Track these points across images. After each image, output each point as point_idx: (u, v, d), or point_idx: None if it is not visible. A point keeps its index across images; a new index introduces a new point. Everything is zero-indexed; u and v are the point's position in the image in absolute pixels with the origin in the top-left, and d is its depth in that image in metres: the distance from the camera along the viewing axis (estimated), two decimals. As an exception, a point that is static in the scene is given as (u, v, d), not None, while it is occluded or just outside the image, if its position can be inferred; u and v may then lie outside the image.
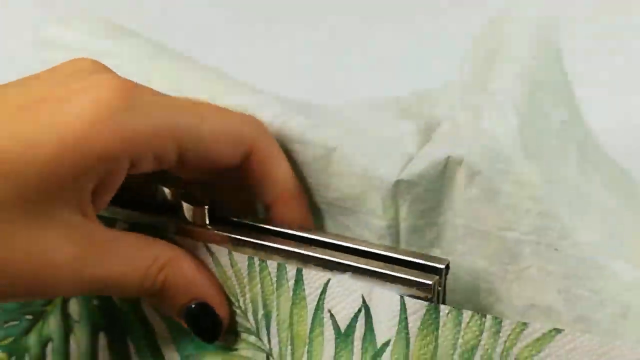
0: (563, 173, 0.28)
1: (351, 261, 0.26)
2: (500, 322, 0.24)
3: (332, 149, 0.29)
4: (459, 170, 0.27)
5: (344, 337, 0.26)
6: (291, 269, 0.27)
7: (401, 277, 0.25)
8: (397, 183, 0.28)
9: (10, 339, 0.33)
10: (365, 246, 0.27)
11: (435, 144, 0.29)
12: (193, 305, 0.28)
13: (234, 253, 0.28)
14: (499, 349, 0.24)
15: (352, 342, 0.26)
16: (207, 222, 0.28)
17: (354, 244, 0.27)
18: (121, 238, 0.27)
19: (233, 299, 0.28)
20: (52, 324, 0.32)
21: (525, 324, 0.24)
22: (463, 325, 0.24)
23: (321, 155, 0.29)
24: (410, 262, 0.26)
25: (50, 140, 0.23)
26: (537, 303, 0.27)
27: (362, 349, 0.26)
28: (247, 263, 0.28)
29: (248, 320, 0.28)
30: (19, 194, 0.23)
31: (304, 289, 0.27)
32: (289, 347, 0.27)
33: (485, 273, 0.28)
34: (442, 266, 0.25)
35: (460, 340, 0.24)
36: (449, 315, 0.24)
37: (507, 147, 0.27)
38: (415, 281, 0.25)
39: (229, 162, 0.28)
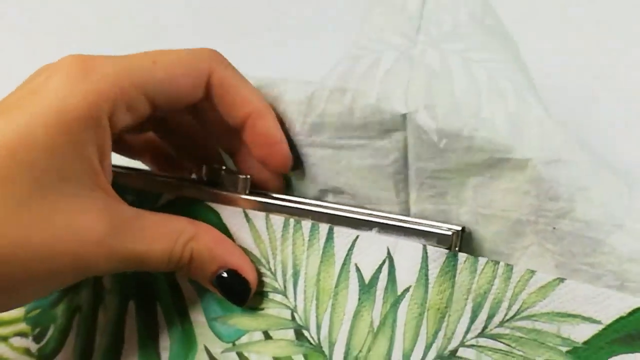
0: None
1: (377, 219, 0.29)
2: (512, 268, 0.27)
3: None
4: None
5: (367, 288, 0.29)
6: (323, 228, 0.30)
7: (423, 230, 0.28)
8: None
9: (38, 311, 0.35)
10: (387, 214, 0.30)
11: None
12: (222, 273, 0.30)
13: (271, 216, 0.31)
14: (509, 294, 0.27)
15: (375, 293, 0.28)
16: (248, 191, 0.32)
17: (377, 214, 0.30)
18: (146, 216, 0.30)
19: (264, 261, 0.31)
20: (83, 295, 0.34)
21: (533, 271, 0.27)
22: (478, 271, 0.27)
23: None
24: (430, 225, 0.29)
25: (39, 124, 0.26)
26: (539, 275, 0.30)
27: (383, 299, 0.28)
28: (282, 225, 0.31)
29: (276, 281, 0.31)
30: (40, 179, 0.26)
31: (333, 246, 0.30)
32: (314, 301, 0.30)
33: (493, 253, 0.31)
34: (459, 228, 0.29)
35: (474, 286, 0.27)
36: (466, 262, 0.27)
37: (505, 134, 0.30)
38: (437, 233, 0.28)
39: (194, 96, 0.30)
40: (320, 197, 0.32)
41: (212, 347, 0.31)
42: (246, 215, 0.31)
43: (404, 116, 0.29)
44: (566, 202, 0.28)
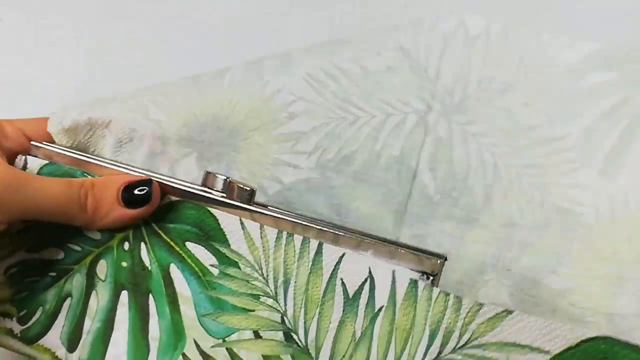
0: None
1: (361, 240, 0.34)
2: (461, 300, 0.31)
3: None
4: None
5: (351, 301, 0.33)
6: (313, 243, 0.34)
7: (417, 255, 0.33)
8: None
9: (26, 294, 0.37)
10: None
11: None
12: (125, 190, 0.35)
13: (265, 227, 0.34)
14: (459, 324, 0.31)
15: (357, 307, 0.33)
16: (252, 202, 0.35)
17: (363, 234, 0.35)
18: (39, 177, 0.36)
19: (257, 267, 0.34)
20: (75, 282, 0.37)
21: (481, 304, 0.31)
22: (433, 300, 0.31)
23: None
24: (421, 250, 0.33)
25: None
26: (496, 302, 0.35)
27: (364, 313, 0.33)
28: (275, 236, 0.34)
29: (268, 286, 0.34)
30: None
31: (321, 260, 0.34)
32: (303, 308, 0.34)
33: (459, 283, 0.37)
34: (444, 256, 0.33)
35: (430, 313, 0.31)
36: (424, 291, 0.32)
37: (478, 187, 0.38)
38: (428, 258, 0.32)
39: None
40: (330, 215, 0.38)
41: (202, 342, 0.34)
42: (242, 224, 0.35)
43: (415, 172, 0.39)
44: (517, 253, 0.36)
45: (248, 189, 0.35)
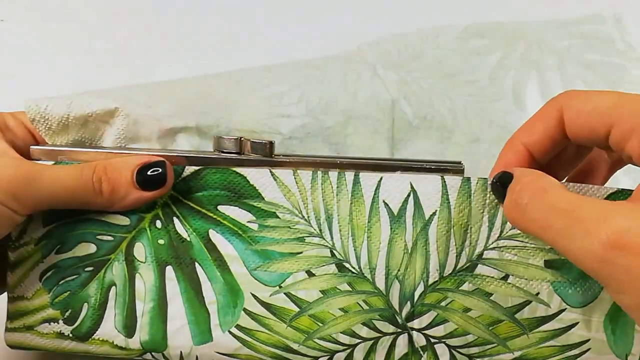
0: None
1: (396, 162, 0.35)
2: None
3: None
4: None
5: (396, 218, 0.35)
6: (349, 175, 0.35)
7: (438, 168, 0.35)
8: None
9: (66, 294, 0.37)
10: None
11: None
12: (139, 172, 0.36)
13: (298, 171, 0.36)
14: None
15: (405, 221, 0.35)
16: (272, 154, 0.36)
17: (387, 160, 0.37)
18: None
19: (296, 211, 0.36)
20: (115, 270, 0.37)
21: None
22: (489, 188, 0.34)
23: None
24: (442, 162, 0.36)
25: None
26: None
27: (412, 224, 0.34)
28: (310, 178, 0.35)
29: (311, 226, 0.35)
30: None
31: (361, 188, 0.35)
32: (350, 237, 0.35)
33: None
34: (460, 162, 0.36)
35: (487, 200, 0.34)
36: (478, 183, 0.34)
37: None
38: (449, 167, 0.35)
39: None
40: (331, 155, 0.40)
41: (259, 293, 0.35)
42: (273, 174, 0.36)
43: (392, 102, 0.49)
44: (485, 164, 0.39)
45: (264, 142, 0.36)
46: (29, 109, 0.37)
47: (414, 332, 0.35)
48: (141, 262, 0.37)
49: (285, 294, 0.35)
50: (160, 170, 0.36)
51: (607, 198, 0.32)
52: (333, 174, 0.35)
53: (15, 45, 0.55)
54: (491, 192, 0.34)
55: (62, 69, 0.54)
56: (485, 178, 0.34)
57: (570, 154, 0.35)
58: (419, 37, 0.57)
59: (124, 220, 0.37)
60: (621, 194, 0.32)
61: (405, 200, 0.35)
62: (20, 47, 0.55)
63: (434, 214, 0.34)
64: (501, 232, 0.34)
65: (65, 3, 0.58)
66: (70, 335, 0.37)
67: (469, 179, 0.34)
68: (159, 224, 0.37)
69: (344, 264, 0.35)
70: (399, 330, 0.35)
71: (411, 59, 0.54)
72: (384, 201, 0.35)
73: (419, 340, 0.35)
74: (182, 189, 0.36)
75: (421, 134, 0.48)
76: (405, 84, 0.50)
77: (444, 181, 0.34)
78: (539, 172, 0.31)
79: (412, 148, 0.48)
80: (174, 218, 0.36)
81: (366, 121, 0.47)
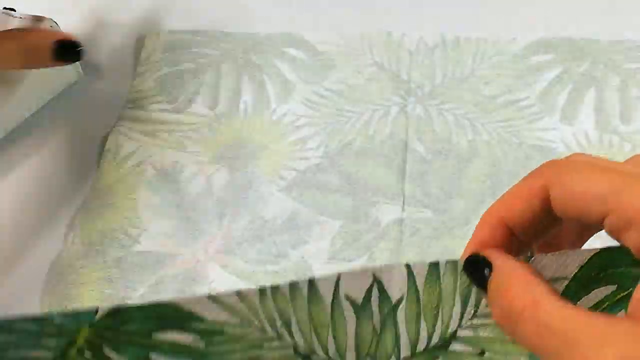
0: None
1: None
2: None
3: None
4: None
5: (362, 307, 0.31)
6: (303, 282, 0.30)
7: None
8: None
9: None
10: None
11: None
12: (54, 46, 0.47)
13: (241, 291, 0.30)
14: None
15: (371, 308, 0.32)
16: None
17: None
18: None
19: (247, 323, 0.31)
20: None
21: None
22: (459, 270, 0.31)
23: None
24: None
25: None
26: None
27: (379, 310, 0.32)
28: (257, 293, 0.30)
29: (266, 332, 0.31)
30: None
31: (318, 290, 0.31)
32: (313, 335, 0.32)
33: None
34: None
35: (458, 283, 0.31)
36: (447, 265, 0.31)
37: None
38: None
39: None
40: (342, 184, 0.53)
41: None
42: (213, 298, 0.30)
43: (406, 142, 0.55)
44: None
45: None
46: None
47: None
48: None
49: None
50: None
51: (588, 262, 0.31)
52: (284, 286, 0.30)
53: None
54: (461, 274, 0.31)
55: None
56: (455, 261, 0.31)
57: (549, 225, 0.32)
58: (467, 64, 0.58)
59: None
60: (605, 254, 0.31)
61: (369, 290, 0.31)
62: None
63: (402, 298, 0.32)
64: (475, 311, 0.32)
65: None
66: None
67: (436, 263, 0.31)
68: (87, 354, 0.30)
69: (311, 355, 0.32)
70: None
71: (451, 86, 0.57)
72: (345, 295, 0.31)
73: None
74: (105, 324, 0.30)
75: (436, 165, 0.53)
76: (429, 120, 0.54)
77: (410, 269, 0.31)
78: (522, 270, 0.29)
79: (427, 177, 0.53)
80: (103, 346, 0.30)
81: (378, 159, 0.54)
